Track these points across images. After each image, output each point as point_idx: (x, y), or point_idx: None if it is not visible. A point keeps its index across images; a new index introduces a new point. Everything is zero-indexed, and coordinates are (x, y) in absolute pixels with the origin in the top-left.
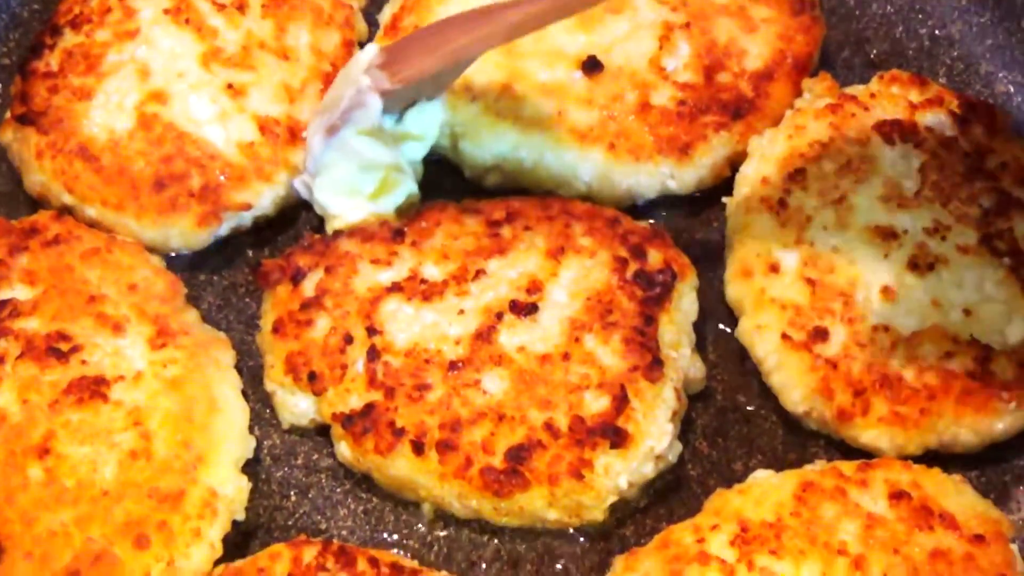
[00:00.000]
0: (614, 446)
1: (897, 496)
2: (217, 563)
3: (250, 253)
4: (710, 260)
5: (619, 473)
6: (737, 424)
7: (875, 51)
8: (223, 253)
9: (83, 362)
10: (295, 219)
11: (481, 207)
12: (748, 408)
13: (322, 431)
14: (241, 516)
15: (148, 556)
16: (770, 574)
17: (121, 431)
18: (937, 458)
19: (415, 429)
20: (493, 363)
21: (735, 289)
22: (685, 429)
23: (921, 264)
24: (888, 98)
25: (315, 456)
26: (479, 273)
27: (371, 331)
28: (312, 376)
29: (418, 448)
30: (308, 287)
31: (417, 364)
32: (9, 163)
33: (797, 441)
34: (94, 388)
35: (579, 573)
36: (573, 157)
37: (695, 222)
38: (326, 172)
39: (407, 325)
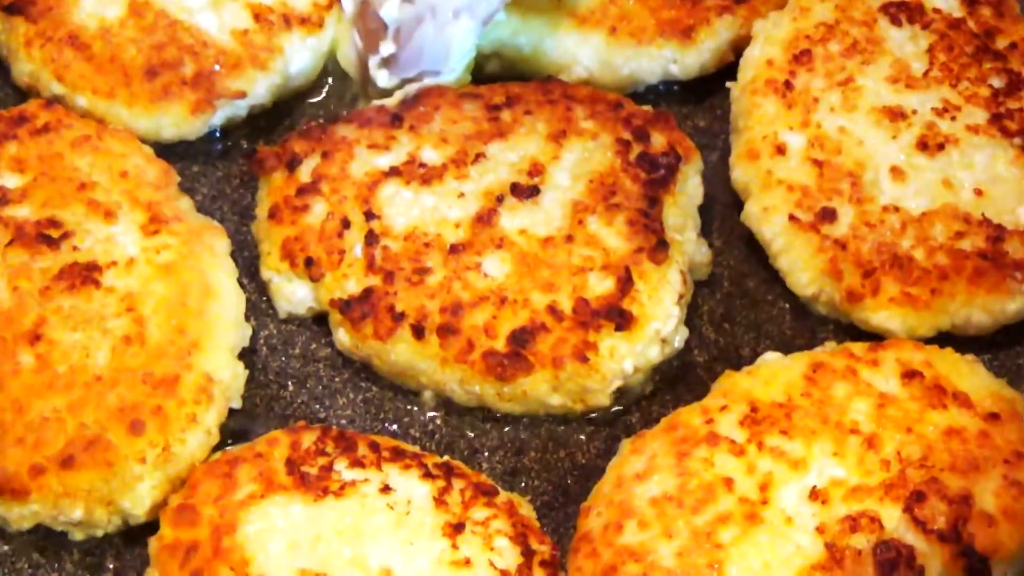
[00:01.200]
0: (619, 328)
1: (909, 375)
2: (214, 450)
3: (245, 145)
4: (714, 147)
5: (624, 356)
6: (744, 310)
7: None
8: (217, 145)
9: (74, 248)
10: (291, 112)
11: (480, 92)
12: (755, 293)
13: (320, 320)
14: (238, 403)
15: (143, 442)
16: (780, 454)
17: (114, 317)
18: (950, 341)
19: (415, 313)
20: (494, 246)
21: (741, 171)
22: (691, 315)
23: (931, 144)
24: None
25: (313, 346)
26: (479, 156)
27: (369, 215)
28: (309, 262)
29: (418, 332)
30: (304, 172)
31: (416, 248)
32: None
33: (806, 326)
34: (86, 274)
35: (584, 460)
36: (573, 42)
37: (698, 109)
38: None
39: (406, 209)
